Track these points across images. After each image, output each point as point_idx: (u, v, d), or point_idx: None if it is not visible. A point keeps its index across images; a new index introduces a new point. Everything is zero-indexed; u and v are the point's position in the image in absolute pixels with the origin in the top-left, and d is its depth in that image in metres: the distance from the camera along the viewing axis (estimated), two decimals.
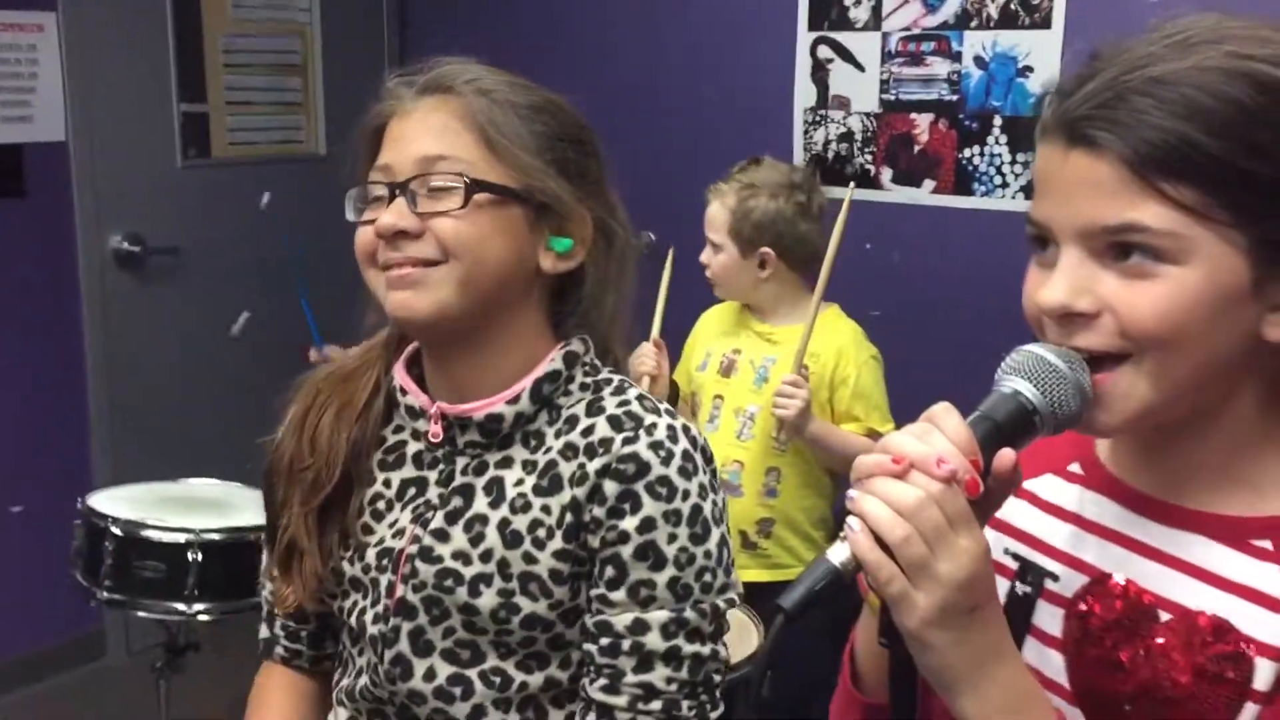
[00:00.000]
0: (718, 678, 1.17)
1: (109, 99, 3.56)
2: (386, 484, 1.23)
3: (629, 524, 1.12)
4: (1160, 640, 0.90)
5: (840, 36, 3.36)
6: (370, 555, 1.21)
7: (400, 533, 1.20)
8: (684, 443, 1.16)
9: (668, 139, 3.69)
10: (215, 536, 2.39)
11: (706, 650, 1.15)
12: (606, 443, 1.14)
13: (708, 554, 1.15)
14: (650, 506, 1.13)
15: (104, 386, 3.65)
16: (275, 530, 1.26)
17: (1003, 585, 0.99)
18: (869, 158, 3.37)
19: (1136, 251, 0.83)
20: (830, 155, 3.43)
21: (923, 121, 3.24)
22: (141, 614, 2.52)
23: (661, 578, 1.13)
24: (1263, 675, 0.86)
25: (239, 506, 2.57)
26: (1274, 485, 0.90)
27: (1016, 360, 0.85)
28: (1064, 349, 0.86)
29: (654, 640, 1.13)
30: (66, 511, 2.63)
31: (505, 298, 1.16)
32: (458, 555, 1.16)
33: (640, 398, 1.19)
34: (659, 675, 1.13)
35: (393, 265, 1.13)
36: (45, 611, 3.49)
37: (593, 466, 1.14)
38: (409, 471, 1.23)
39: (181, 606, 2.46)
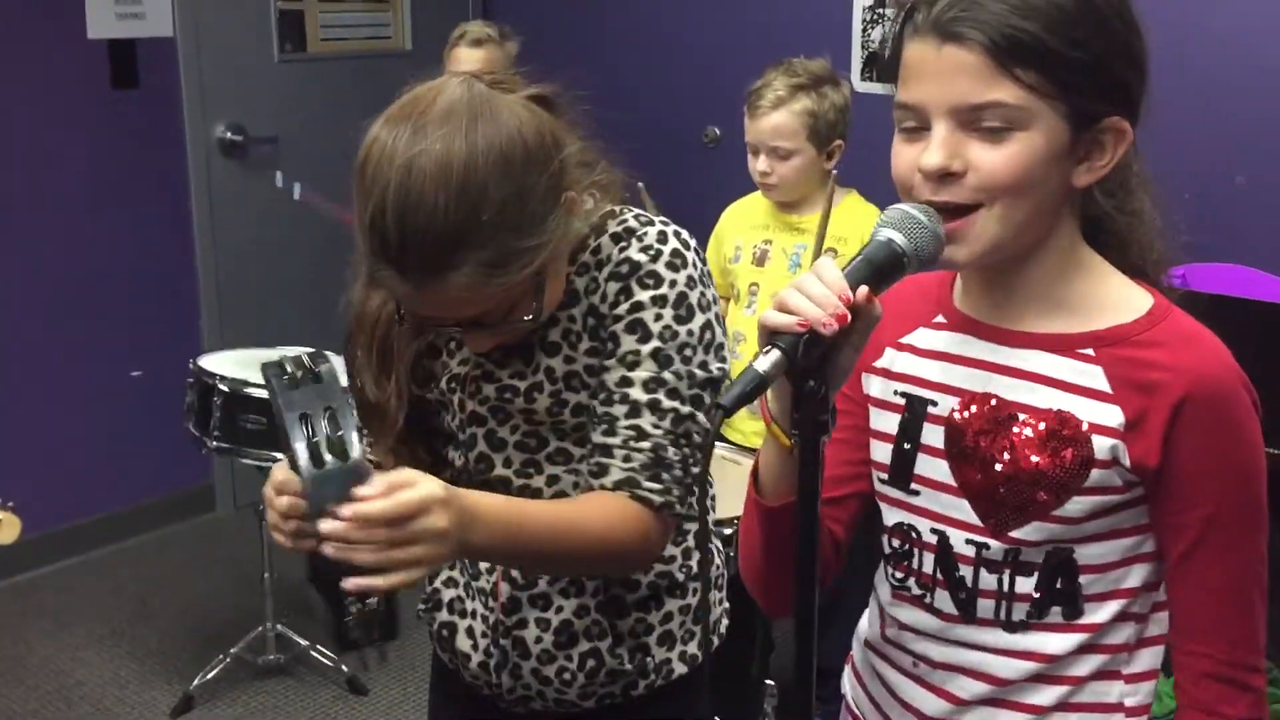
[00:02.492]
0: (698, 438, 1.34)
1: None
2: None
3: (622, 309, 1.33)
4: (1019, 435, 1.17)
5: None
6: (443, 382, 1.44)
7: (464, 361, 1.42)
8: (673, 243, 1.35)
9: (728, 35, 3.86)
10: None
11: (685, 410, 1.33)
12: (609, 253, 1.35)
13: (690, 333, 1.33)
14: (639, 294, 1.32)
15: (210, 263, 4.00)
16: (370, 414, 1.41)
17: (894, 419, 1.25)
18: None
19: (994, 122, 1.07)
20: (886, 53, 3.57)
21: None
22: (246, 460, 2.86)
23: (646, 347, 1.32)
24: (1099, 447, 1.13)
25: None
26: (1083, 307, 1.16)
27: (888, 216, 1.09)
28: (924, 206, 1.09)
29: (637, 393, 1.32)
30: (179, 377, 2.96)
31: None
32: (515, 374, 1.38)
33: (637, 216, 1.37)
34: (646, 421, 1.32)
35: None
36: (161, 466, 3.88)
37: (601, 274, 1.34)
38: None
39: (279, 455, 2.77)
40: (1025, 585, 1.18)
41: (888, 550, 1.28)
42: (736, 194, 2.88)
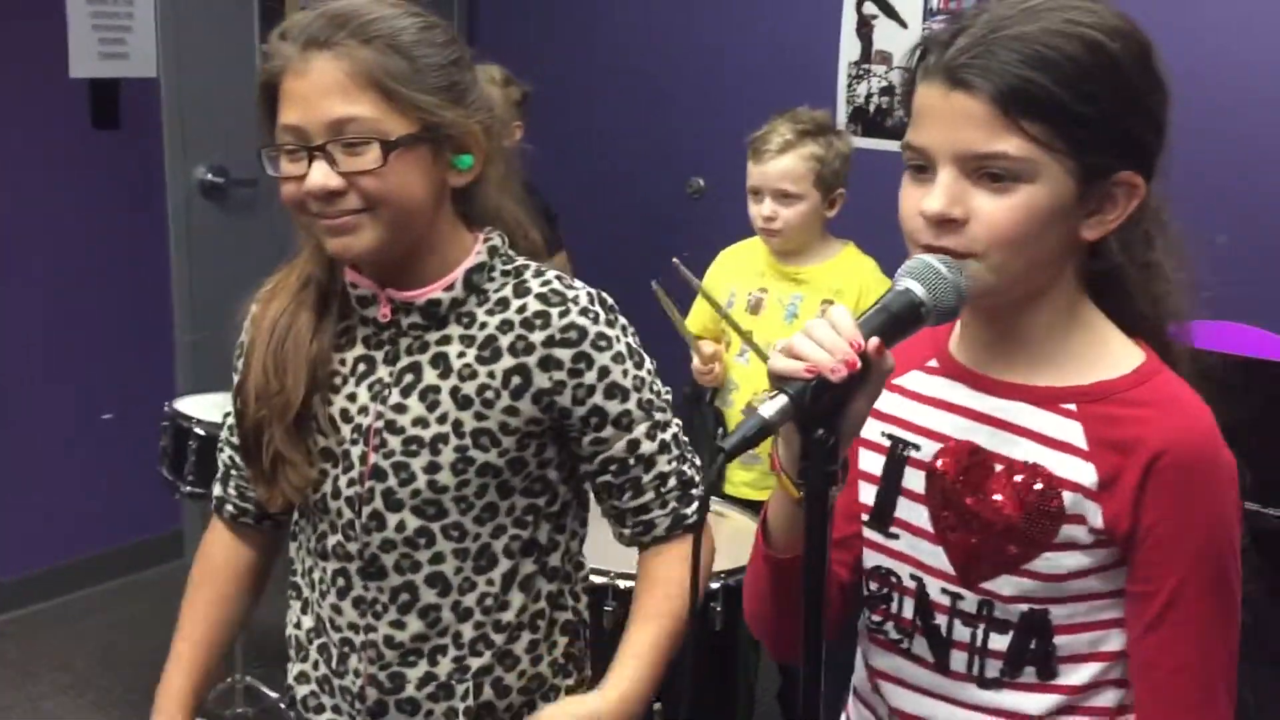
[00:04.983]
0: (684, 437, 1.47)
1: (197, 38, 3.83)
2: (341, 362, 1.41)
3: (590, 378, 1.37)
4: (994, 486, 1.15)
5: None
6: (345, 430, 1.39)
7: (364, 410, 1.39)
8: (599, 304, 1.40)
9: (714, 89, 3.88)
10: None
11: (676, 427, 1.46)
12: (543, 315, 1.36)
13: (649, 371, 1.43)
14: (600, 358, 1.38)
15: (187, 305, 3.94)
16: (249, 443, 1.42)
17: (879, 459, 1.24)
18: None
19: (998, 173, 1.05)
20: (871, 108, 3.60)
21: None
22: None
23: (631, 404, 1.40)
24: (1069, 502, 1.12)
25: None
26: (1073, 361, 1.15)
27: (910, 266, 1.07)
28: (946, 258, 1.06)
29: (646, 446, 1.41)
30: (149, 420, 2.90)
31: (425, 219, 1.34)
32: (417, 422, 1.36)
33: (558, 277, 1.41)
34: (662, 463, 1.43)
35: (326, 216, 1.30)
36: (130, 512, 3.80)
37: (537, 338, 1.36)
38: (359, 350, 1.41)
39: None
40: (999, 642, 1.16)
41: (866, 593, 1.26)
42: (721, 245, 2.85)
